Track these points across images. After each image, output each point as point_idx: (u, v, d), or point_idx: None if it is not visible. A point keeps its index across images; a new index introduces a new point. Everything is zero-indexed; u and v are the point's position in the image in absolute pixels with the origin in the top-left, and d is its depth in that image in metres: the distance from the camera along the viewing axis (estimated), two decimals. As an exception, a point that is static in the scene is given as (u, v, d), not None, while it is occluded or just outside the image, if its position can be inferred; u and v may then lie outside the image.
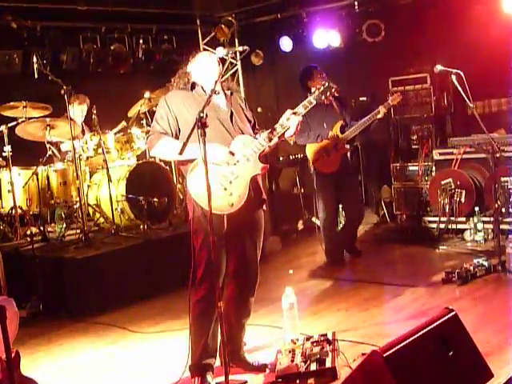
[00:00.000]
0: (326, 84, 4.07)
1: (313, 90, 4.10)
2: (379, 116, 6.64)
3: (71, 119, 6.80)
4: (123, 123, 7.58)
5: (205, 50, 9.43)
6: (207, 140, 3.42)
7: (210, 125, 3.51)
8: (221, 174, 3.86)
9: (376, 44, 8.43)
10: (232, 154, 3.87)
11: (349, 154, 6.88)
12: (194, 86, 4.09)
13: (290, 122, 3.96)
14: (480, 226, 7.14)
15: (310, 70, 6.81)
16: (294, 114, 3.98)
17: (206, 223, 3.75)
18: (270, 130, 3.95)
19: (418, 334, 3.24)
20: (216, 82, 3.82)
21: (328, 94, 4.10)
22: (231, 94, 4.20)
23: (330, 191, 6.86)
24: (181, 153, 3.48)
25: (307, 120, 6.65)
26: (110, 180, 6.92)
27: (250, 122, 4.20)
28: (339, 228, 7.50)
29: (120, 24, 8.66)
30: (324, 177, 6.82)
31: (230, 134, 3.99)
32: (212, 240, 3.42)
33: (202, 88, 4.07)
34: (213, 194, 3.46)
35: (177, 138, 3.98)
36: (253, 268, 4.16)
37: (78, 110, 7.62)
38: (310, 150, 6.83)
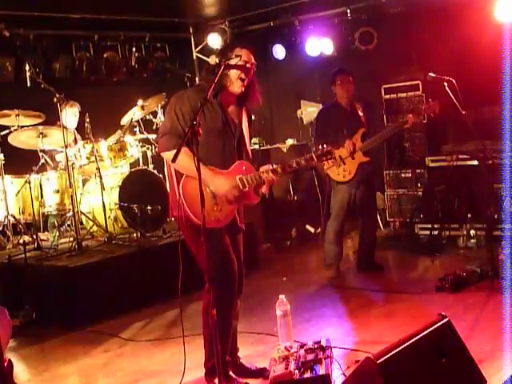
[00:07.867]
0: (325, 150, 3.98)
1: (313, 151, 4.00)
2: (407, 126, 6.36)
3: (64, 127, 6.78)
4: (119, 132, 7.57)
5: (198, 58, 9.61)
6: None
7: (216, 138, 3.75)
8: None
9: (368, 52, 8.46)
10: (235, 188, 3.86)
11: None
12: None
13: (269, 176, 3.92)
14: (473, 232, 7.15)
15: (335, 75, 6.59)
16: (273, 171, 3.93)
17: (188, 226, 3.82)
18: (272, 169, 3.94)
19: (411, 341, 3.25)
20: (210, 91, 3.78)
21: (325, 158, 4.02)
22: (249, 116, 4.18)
23: (342, 199, 6.59)
24: (174, 160, 3.46)
25: (328, 123, 6.53)
26: (103, 188, 6.92)
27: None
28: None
29: (113, 32, 8.67)
30: (338, 184, 6.57)
31: (235, 151, 4.02)
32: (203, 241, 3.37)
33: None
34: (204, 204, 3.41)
35: None
36: (240, 269, 4.16)
37: (70, 113, 7.39)
38: None
